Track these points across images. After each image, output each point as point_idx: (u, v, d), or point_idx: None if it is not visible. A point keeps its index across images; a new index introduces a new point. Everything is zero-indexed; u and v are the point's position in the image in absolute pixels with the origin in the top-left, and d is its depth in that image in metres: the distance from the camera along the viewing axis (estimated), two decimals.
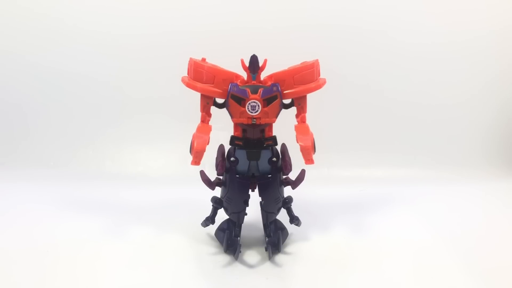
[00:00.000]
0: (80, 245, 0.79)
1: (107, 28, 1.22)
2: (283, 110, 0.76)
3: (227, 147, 0.77)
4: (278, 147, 0.78)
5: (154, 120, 1.25)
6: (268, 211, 0.76)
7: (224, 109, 0.75)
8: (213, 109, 0.76)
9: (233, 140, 0.76)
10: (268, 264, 0.73)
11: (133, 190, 1.08)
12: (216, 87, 0.73)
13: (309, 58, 0.77)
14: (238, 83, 0.73)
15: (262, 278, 0.69)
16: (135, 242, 0.81)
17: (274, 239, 0.76)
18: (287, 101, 0.76)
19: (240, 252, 0.75)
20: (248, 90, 0.72)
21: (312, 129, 0.74)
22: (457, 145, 1.27)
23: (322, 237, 0.83)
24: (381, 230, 0.87)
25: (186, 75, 0.77)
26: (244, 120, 0.73)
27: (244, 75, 0.75)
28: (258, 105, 0.72)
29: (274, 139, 0.76)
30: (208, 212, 0.78)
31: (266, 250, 0.74)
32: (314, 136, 0.73)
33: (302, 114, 0.75)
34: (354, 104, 1.24)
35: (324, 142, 0.83)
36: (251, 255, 0.76)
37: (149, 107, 1.25)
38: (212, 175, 0.78)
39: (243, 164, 0.75)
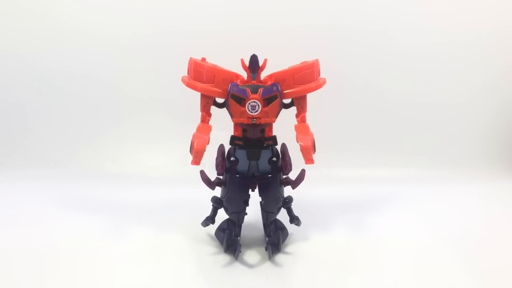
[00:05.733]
0: (80, 245, 0.79)
1: (107, 28, 1.22)
2: (283, 110, 0.76)
3: (227, 147, 0.77)
4: (278, 147, 0.78)
5: (154, 120, 1.25)
6: (268, 211, 0.76)
7: (224, 109, 0.75)
8: (213, 109, 0.76)
9: (233, 140, 0.76)
10: (268, 264, 0.73)
11: (133, 190, 1.08)
12: (216, 87, 0.73)
13: (309, 58, 0.77)
14: (238, 83, 0.73)
15: (262, 278, 0.69)
16: (135, 242, 0.81)
17: (274, 239, 0.76)
18: (287, 100, 0.76)
19: (240, 252, 0.75)
20: (248, 89, 0.72)
21: (312, 129, 0.74)
22: (457, 145, 1.27)
23: (322, 237, 0.83)
24: (381, 230, 0.87)
25: (186, 75, 0.77)
26: (244, 120, 0.73)
27: (244, 75, 0.75)
28: (258, 105, 0.72)
29: (274, 139, 0.76)
30: (208, 212, 0.78)
31: (266, 250, 0.74)
32: (314, 136, 0.73)
33: (302, 114, 0.75)
34: (354, 104, 1.24)
35: (324, 142, 0.83)
36: (251, 255, 0.76)
37: (149, 107, 1.25)
38: (212, 175, 0.78)
39: (243, 164, 0.74)
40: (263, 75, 0.74)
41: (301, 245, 0.80)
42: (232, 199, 0.76)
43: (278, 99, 0.73)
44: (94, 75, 1.24)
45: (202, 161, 0.69)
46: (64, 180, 1.14)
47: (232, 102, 0.73)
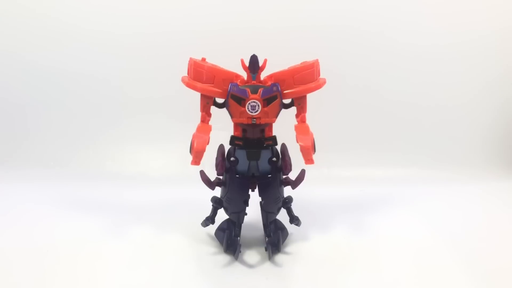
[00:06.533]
0: (80, 245, 0.79)
1: (107, 28, 1.22)
2: (283, 110, 0.76)
3: (227, 147, 0.77)
4: (278, 147, 0.78)
5: (154, 120, 1.25)
6: (268, 211, 0.76)
7: (224, 109, 0.75)
8: (213, 109, 0.76)
9: (233, 140, 0.76)
10: (268, 264, 0.73)
11: (133, 190, 1.08)
12: (216, 87, 0.73)
13: (309, 58, 0.77)
14: (238, 83, 0.73)
15: (262, 278, 0.69)
16: (135, 242, 0.81)
17: (274, 239, 0.76)
18: (287, 101, 0.76)
19: (240, 252, 0.75)
20: (248, 90, 0.72)
21: (312, 129, 0.74)
22: (457, 145, 1.27)
23: (322, 237, 0.83)
24: (381, 230, 0.87)
25: (186, 75, 0.77)
26: (244, 120, 0.73)
27: (244, 75, 0.75)
28: (258, 105, 0.72)
29: (274, 139, 0.76)
30: (208, 212, 0.78)
31: (266, 250, 0.74)
32: (314, 136, 0.73)
33: (302, 114, 0.75)
34: (354, 104, 1.24)
35: (324, 142, 0.83)
36: (251, 255, 0.76)
37: (149, 107, 1.25)
38: (212, 175, 0.78)
39: (243, 164, 0.75)
40: (263, 75, 0.74)
41: (301, 245, 0.80)
42: (232, 199, 0.76)
43: (278, 99, 0.73)
44: (94, 75, 1.24)
45: (202, 161, 0.69)
46: (64, 180, 1.14)
47: (232, 102, 0.73)
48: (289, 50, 1.02)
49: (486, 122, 1.28)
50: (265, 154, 0.75)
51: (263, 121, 0.73)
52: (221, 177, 0.78)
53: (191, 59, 0.75)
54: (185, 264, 0.74)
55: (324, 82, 0.76)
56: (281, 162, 0.76)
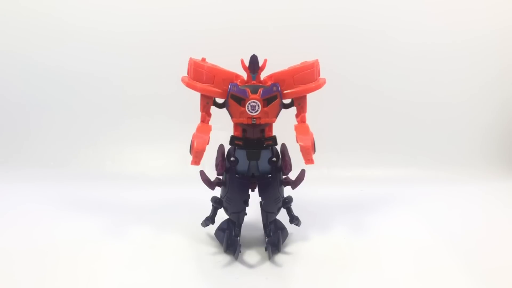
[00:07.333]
0: (80, 245, 0.79)
1: (106, 28, 1.22)
2: (283, 110, 0.76)
3: (227, 147, 0.77)
4: (278, 147, 0.78)
5: (154, 120, 1.25)
6: (268, 211, 0.76)
7: (224, 109, 0.75)
8: (213, 109, 0.76)
9: (233, 140, 0.76)
10: (268, 264, 0.73)
11: (133, 190, 1.08)
12: (216, 87, 0.73)
13: (309, 58, 0.77)
14: (238, 83, 0.73)
15: (262, 278, 0.69)
16: (135, 242, 0.81)
17: (274, 239, 0.76)
18: (287, 101, 0.76)
19: (240, 252, 0.75)
20: (248, 90, 0.72)
21: (312, 129, 0.74)
22: (457, 145, 1.27)
23: (322, 237, 0.83)
24: (381, 230, 0.87)
25: (186, 75, 0.77)
26: (244, 120, 0.73)
27: (244, 75, 0.75)
28: (258, 105, 0.72)
29: (274, 139, 0.76)
30: (208, 212, 0.78)
31: (266, 250, 0.74)
32: (314, 136, 0.73)
33: (302, 114, 0.76)
34: (354, 104, 1.24)
35: (324, 142, 0.83)
36: (251, 255, 0.76)
37: (149, 107, 1.25)
38: (212, 175, 0.78)
39: (243, 164, 0.75)
40: (263, 75, 0.74)
41: (301, 245, 0.80)
42: (232, 199, 0.76)
43: (278, 99, 0.73)
44: (94, 75, 1.24)
45: (202, 161, 0.69)
46: (64, 180, 1.14)
47: (232, 102, 0.73)
48: (289, 50, 1.02)
49: (486, 122, 1.28)
50: (265, 154, 0.75)
51: (263, 121, 0.73)
52: (221, 177, 0.78)
53: (191, 59, 0.75)
54: (185, 264, 0.74)
55: (324, 82, 0.76)
56: (281, 162, 0.76)
